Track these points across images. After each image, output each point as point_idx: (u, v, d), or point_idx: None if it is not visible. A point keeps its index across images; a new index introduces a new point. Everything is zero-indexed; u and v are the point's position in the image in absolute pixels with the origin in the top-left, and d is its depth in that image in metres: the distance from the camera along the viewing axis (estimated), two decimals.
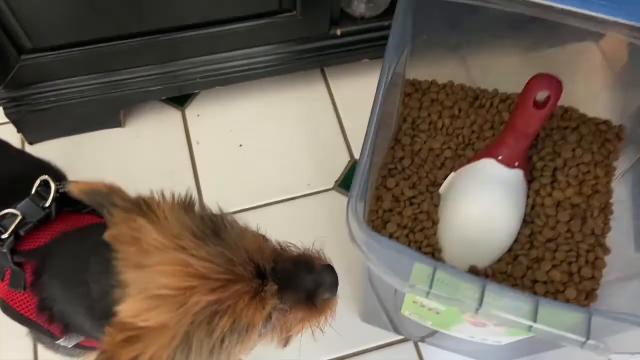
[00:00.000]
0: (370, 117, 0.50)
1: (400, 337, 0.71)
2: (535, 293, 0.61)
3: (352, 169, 0.83)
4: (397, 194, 0.65)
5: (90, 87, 0.75)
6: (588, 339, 0.38)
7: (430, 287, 0.40)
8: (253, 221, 0.79)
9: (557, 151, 0.69)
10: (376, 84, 0.91)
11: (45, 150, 0.81)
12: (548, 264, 0.62)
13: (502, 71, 0.72)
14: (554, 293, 0.61)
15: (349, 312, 0.72)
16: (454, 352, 0.70)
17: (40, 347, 0.68)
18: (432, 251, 0.62)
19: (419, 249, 0.62)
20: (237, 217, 0.79)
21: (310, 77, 0.89)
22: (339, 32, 0.79)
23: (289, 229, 0.78)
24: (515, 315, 0.39)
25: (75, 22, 0.68)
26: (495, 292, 0.40)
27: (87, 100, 0.76)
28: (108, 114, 0.81)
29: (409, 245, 0.62)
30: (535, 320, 0.39)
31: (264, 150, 0.83)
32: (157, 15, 0.70)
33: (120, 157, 0.82)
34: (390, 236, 0.62)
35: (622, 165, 0.69)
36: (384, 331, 0.71)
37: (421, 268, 0.41)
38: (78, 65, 0.73)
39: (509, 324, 0.40)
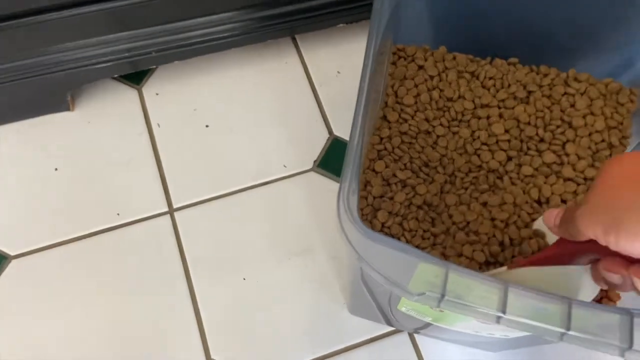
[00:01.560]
0: (358, 97, 0.42)
1: (392, 329, 0.65)
2: None
3: (331, 146, 0.75)
4: (387, 177, 0.58)
5: (27, 66, 0.65)
6: (631, 345, 0.32)
7: (443, 293, 0.33)
8: (226, 209, 0.72)
9: (566, 120, 0.62)
10: (353, 51, 0.83)
11: None
12: None
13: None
14: None
15: (334, 303, 0.65)
16: (454, 342, 0.64)
17: None
18: (431, 243, 0.55)
19: (413, 237, 0.55)
20: (208, 205, 0.72)
21: (280, 47, 0.80)
22: None
23: (266, 215, 0.70)
24: (544, 322, 0.33)
25: None
26: (521, 296, 0.34)
27: (24, 81, 0.66)
28: (52, 96, 0.71)
29: (403, 235, 0.55)
30: (568, 328, 0.33)
31: (233, 130, 0.75)
32: None
33: (72, 144, 0.72)
34: (382, 225, 0.55)
35: (635, 132, 0.63)
36: (375, 323, 0.65)
37: (429, 270, 0.34)
38: (9, 43, 0.63)
39: (536, 331, 0.34)
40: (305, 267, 0.68)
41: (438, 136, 0.61)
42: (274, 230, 0.69)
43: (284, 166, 0.73)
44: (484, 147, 0.62)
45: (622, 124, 0.62)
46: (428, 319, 0.50)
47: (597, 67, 0.64)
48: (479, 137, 0.62)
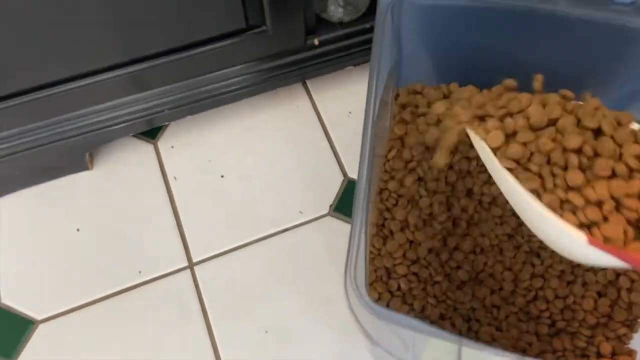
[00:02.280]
0: (359, 169, 0.42)
1: None
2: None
3: (346, 189, 0.75)
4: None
5: (47, 133, 0.67)
6: None
7: None
8: (245, 259, 0.72)
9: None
10: (364, 92, 0.83)
11: (7, 206, 0.73)
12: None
13: None
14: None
15: (357, 350, 0.65)
16: None
17: None
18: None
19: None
20: (227, 257, 0.72)
21: (291, 92, 0.81)
22: (316, 42, 0.71)
23: (285, 263, 0.70)
24: None
25: (24, 67, 0.59)
26: None
27: (45, 148, 0.68)
28: (71, 159, 0.73)
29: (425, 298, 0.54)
30: None
31: (248, 179, 0.76)
32: (114, 48, 0.62)
33: (92, 203, 0.74)
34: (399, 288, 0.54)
35: None
36: None
37: (440, 345, 0.34)
38: (29, 113, 0.64)
39: None
40: (327, 314, 0.67)
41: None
42: (293, 278, 0.70)
43: (300, 212, 0.74)
44: None
45: None
46: None
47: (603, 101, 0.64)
48: None
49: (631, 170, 0.36)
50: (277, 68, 0.72)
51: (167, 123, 0.78)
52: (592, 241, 0.38)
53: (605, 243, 0.35)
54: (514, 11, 0.55)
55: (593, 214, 0.36)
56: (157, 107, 0.70)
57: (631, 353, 0.53)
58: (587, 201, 0.36)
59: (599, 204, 0.35)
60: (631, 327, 0.54)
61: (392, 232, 0.59)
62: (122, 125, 0.70)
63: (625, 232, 0.35)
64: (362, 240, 0.37)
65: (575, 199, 0.36)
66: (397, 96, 0.67)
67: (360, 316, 0.36)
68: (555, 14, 0.54)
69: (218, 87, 0.71)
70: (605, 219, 0.35)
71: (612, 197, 0.35)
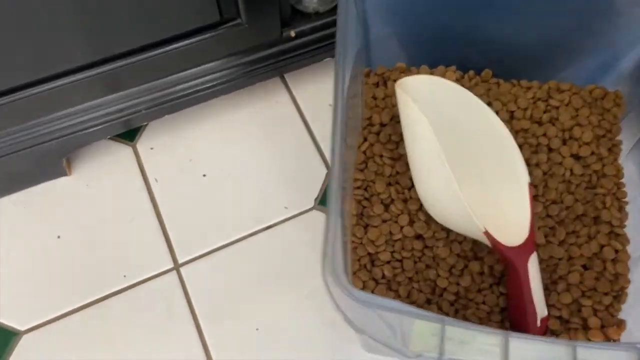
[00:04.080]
0: (331, 154, 0.41)
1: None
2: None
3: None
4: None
5: (21, 139, 0.65)
6: None
7: (441, 353, 0.32)
8: (232, 258, 0.71)
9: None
10: None
11: None
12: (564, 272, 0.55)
13: None
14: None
15: (348, 344, 0.64)
16: None
17: None
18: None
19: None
20: (213, 256, 0.71)
21: (269, 87, 0.80)
22: (292, 34, 0.70)
23: (272, 259, 0.70)
24: None
25: None
26: (521, 341, 0.33)
27: (19, 153, 0.66)
28: (48, 164, 0.71)
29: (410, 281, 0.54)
30: None
31: (230, 177, 0.75)
32: (85, 47, 0.60)
33: (72, 209, 0.72)
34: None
35: (625, 139, 0.62)
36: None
37: (425, 326, 0.33)
38: (2, 116, 0.63)
39: None
40: (317, 308, 0.67)
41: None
42: (281, 274, 0.69)
43: (285, 207, 0.73)
44: None
45: (610, 131, 0.61)
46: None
47: (575, 75, 0.64)
48: None
49: None
50: (254, 62, 0.71)
51: (145, 124, 0.77)
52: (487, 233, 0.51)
53: None
54: None
55: None
56: (134, 108, 0.69)
57: (620, 323, 0.53)
58: None
59: None
60: (618, 299, 0.54)
61: (371, 219, 0.58)
62: (98, 127, 0.69)
63: None
64: (338, 227, 0.36)
65: None
66: (367, 77, 0.67)
67: (342, 304, 0.36)
68: None
69: (195, 84, 0.70)
70: None
71: None
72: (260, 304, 0.67)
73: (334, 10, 0.71)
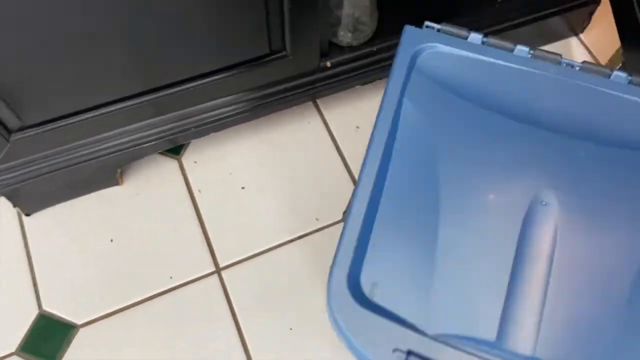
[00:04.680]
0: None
1: None
2: None
3: None
4: None
5: (84, 152, 0.73)
6: None
7: None
8: (267, 263, 0.79)
9: None
10: (370, 109, 0.91)
11: (42, 219, 0.79)
12: None
13: None
14: None
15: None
16: None
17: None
18: None
19: None
20: (251, 262, 0.79)
21: (303, 110, 0.88)
22: (328, 64, 0.78)
23: (306, 266, 0.77)
24: None
25: (63, 95, 0.66)
26: None
27: (82, 165, 0.74)
28: (104, 175, 0.79)
29: None
30: None
31: (266, 190, 0.82)
32: (145, 76, 0.68)
33: (122, 216, 0.80)
34: None
35: None
36: None
37: None
38: (69, 134, 0.70)
39: None
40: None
41: None
42: (314, 279, 0.76)
43: (316, 219, 0.80)
44: None
45: None
46: None
47: None
48: None
49: None
50: (293, 88, 0.79)
51: (189, 141, 0.85)
52: None
53: None
54: None
55: None
56: (182, 127, 0.77)
57: None
58: None
59: None
60: None
61: None
62: (150, 144, 0.76)
63: None
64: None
65: None
66: None
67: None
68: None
69: (240, 107, 0.78)
70: None
71: None
72: (294, 304, 0.74)
73: (366, 44, 0.79)
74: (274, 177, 0.83)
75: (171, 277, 0.76)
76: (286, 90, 0.79)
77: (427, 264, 0.42)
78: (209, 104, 0.76)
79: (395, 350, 0.38)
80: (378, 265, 0.41)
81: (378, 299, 0.40)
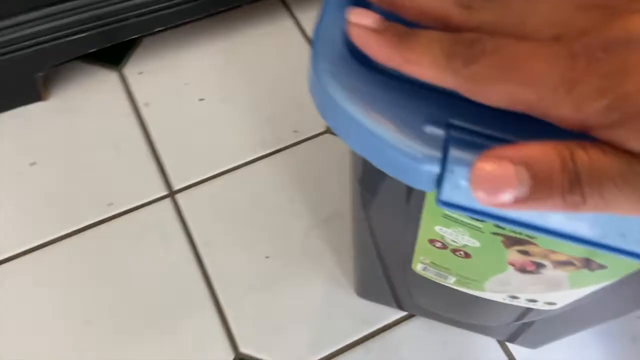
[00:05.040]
0: None
1: (404, 314, 0.55)
2: None
3: None
4: None
5: None
6: None
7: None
8: (235, 184, 0.62)
9: None
10: None
11: None
12: None
13: None
14: None
15: (338, 288, 0.55)
16: (482, 333, 0.53)
17: None
18: None
19: None
20: (214, 183, 0.62)
21: (269, 11, 0.72)
22: None
23: (282, 184, 0.61)
24: None
25: None
26: None
27: None
28: (20, 83, 0.62)
29: None
30: None
31: (231, 101, 0.66)
32: None
33: (48, 135, 0.62)
34: None
35: None
36: (388, 308, 0.55)
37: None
38: None
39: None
40: (328, 237, 0.58)
41: None
42: (292, 201, 0.60)
43: (295, 131, 0.64)
44: None
45: None
46: (451, 281, 0.39)
47: None
48: None
49: None
50: None
51: (132, 38, 0.67)
52: None
53: None
54: None
55: None
56: (120, 13, 0.60)
57: None
58: None
59: None
60: None
61: None
62: (76, 36, 0.59)
63: None
64: None
65: None
66: None
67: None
68: None
69: None
70: None
71: None
72: (270, 232, 0.58)
73: None
74: (241, 87, 0.67)
75: (111, 204, 0.59)
76: None
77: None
78: None
79: (427, 122, 0.22)
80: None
81: None
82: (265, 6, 0.72)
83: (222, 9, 0.66)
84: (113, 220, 0.58)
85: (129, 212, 0.58)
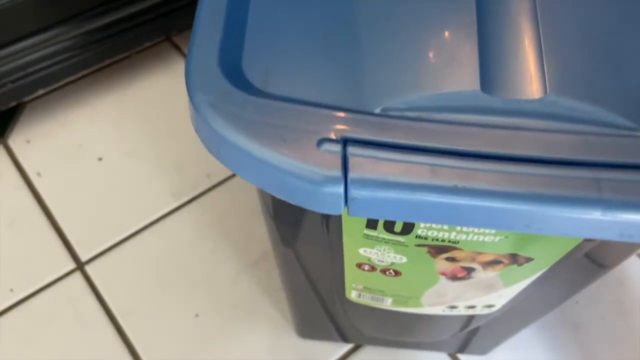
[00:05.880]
0: None
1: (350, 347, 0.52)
2: None
3: None
4: None
5: None
6: None
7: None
8: (148, 242, 0.58)
9: None
10: None
11: None
12: None
13: None
14: None
15: (280, 332, 0.52)
16: (432, 350, 0.52)
17: None
18: None
19: None
20: (123, 248, 0.57)
21: (161, 54, 0.69)
22: None
23: (200, 234, 0.57)
24: None
25: None
26: None
27: None
28: None
29: None
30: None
31: (133, 154, 0.62)
32: None
33: None
34: None
35: None
36: (334, 343, 0.52)
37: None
38: None
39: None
40: (259, 281, 0.54)
41: None
42: (214, 250, 0.56)
43: (207, 175, 0.61)
44: None
45: None
46: (387, 302, 0.38)
47: None
48: None
49: None
50: (135, 16, 0.60)
51: (17, 112, 0.62)
52: None
53: None
54: None
55: None
56: None
57: None
58: None
59: None
60: None
61: None
62: None
63: None
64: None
65: None
66: None
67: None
68: None
69: (67, 44, 0.58)
70: None
71: None
72: (195, 287, 0.54)
73: None
74: (141, 138, 0.63)
75: (11, 290, 0.52)
76: (127, 19, 0.60)
77: (343, 26, 0.24)
78: (25, 42, 0.55)
79: (322, 141, 0.20)
80: (267, 42, 0.23)
81: (276, 89, 0.22)
82: (154, 51, 0.69)
83: (109, 61, 0.62)
84: (16, 308, 0.51)
85: (34, 294, 0.52)
